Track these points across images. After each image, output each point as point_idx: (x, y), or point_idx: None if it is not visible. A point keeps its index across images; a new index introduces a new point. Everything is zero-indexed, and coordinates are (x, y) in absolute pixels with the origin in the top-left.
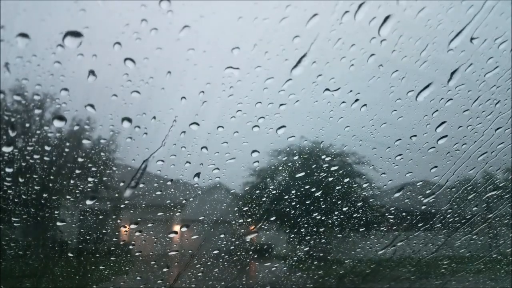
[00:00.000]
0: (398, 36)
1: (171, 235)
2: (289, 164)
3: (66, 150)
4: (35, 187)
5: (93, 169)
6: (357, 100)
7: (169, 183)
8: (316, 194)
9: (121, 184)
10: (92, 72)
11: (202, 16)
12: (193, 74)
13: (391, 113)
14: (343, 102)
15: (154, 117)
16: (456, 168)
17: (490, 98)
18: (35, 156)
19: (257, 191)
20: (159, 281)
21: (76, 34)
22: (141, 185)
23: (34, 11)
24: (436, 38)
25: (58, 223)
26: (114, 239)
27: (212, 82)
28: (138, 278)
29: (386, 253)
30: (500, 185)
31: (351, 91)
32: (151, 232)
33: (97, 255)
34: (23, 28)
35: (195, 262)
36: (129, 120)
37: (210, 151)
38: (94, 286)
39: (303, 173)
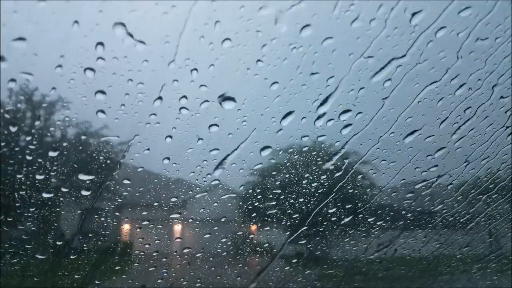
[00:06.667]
0: (399, 35)
1: (172, 235)
2: (290, 163)
3: (67, 149)
4: (36, 186)
5: (94, 169)
6: (357, 98)
7: (171, 182)
8: (316, 194)
9: (123, 183)
10: (92, 71)
11: (203, 15)
12: (195, 74)
13: (391, 112)
14: (344, 101)
15: (155, 114)
16: (456, 168)
17: (490, 97)
18: (36, 155)
19: (258, 191)
20: (159, 281)
21: (75, 33)
22: (143, 184)
23: (35, 10)
24: (436, 37)
25: (59, 223)
26: (115, 239)
27: (213, 81)
28: (138, 277)
29: (386, 253)
30: (500, 184)
31: (352, 90)
32: (152, 231)
33: (98, 254)
34: (23, 27)
35: (196, 261)
36: (130, 120)
37: (211, 151)
38: (94, 286)
39: (303, 173)
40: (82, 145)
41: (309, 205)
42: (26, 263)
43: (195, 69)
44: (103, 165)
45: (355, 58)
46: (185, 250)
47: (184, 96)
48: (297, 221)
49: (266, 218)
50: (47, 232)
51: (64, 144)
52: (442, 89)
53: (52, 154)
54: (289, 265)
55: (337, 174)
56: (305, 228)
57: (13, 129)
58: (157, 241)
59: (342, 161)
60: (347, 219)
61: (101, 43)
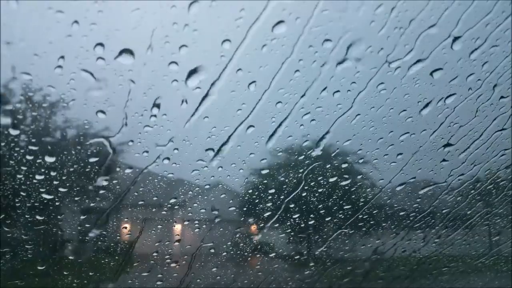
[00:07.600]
0: (399, 36)
1: (172, 235)
2: (290, 164)
3: (67, 149)
4: (36, 187)
5: (95, 168)
6: (356, 98)
7: (171, 182)
8: (317, 194)
9: (123, 183)
10: (93, 71)
11: (203, 15)
12: (196, 74)
13: (391, 112)
14: (343, 101)
15: (155, 115)
16: (456, 168)
17: (490, 98)
18: (36, 156)
19: (258, 191)
20: (158, 282)
21: (75, 33)
22: (142, 185)
23: (35, 10)
24: (437, 38)
25: (59, 223)
26: (115, 239)
27: (215, 81)
28: (138, 278)
29: (386, 253)
30: (500, 184)
31: (349, 90)
32: (152, 231)
33: (98, 255)
34: (23, 27)
35: (196, 262)
36: (130, 120)
37: (211, 151)
38: (94, 286)
39: (303, 173)
40: (82, 145)
41: (309, 205)
42: (26, 263)
43: (195, 69)
44: (103, 165)
45: (355, 58)
46: (185, 250)
47: (184, 97)
48: (297, 221)
49: (266, 218)
50: (47, 232)
51: (64, 144)
52: (442, 89)
53: (52, 154)
54: (289, 265)
55: (337, 175)
56: (305, 228)
57: (13, 129)
58: (157, 242)
59: (342, 162)
60: (347, 219)
61: (101, 43)
